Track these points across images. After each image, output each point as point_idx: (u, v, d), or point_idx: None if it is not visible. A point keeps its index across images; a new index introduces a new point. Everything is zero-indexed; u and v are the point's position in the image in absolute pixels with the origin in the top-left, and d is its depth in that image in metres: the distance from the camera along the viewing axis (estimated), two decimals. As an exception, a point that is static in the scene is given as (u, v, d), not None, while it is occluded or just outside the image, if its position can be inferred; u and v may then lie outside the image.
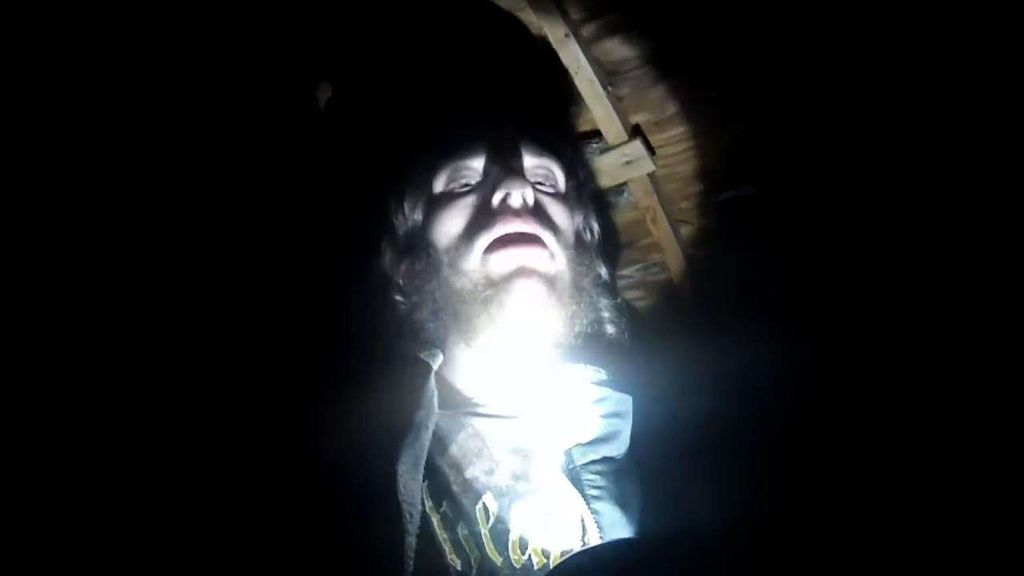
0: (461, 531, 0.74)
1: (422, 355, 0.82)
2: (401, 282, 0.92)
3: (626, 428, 0.85)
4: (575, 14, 0.99)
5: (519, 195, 0.85)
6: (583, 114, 1.11)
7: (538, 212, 0.88)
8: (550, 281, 0.84)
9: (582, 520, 0.78)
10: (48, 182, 0.85)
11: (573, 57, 1.02)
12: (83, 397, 0.79)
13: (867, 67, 0.92)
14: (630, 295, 1.28)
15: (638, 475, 0.83)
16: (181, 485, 0.73)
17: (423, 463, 0.74)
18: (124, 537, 0.71)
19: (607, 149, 1.11)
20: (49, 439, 0.76)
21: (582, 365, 0.89)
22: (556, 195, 0.93)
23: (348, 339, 0.91)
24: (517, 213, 0.85)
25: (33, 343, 0.78)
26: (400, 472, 0.70)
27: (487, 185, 0.89)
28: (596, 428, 0.83)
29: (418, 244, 0.90)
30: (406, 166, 0.96)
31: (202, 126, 1.01)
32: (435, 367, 0.82)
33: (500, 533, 0.75)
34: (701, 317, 1.18)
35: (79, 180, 0.89)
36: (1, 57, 0.82)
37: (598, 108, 1.07)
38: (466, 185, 0.90)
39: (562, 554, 0.75)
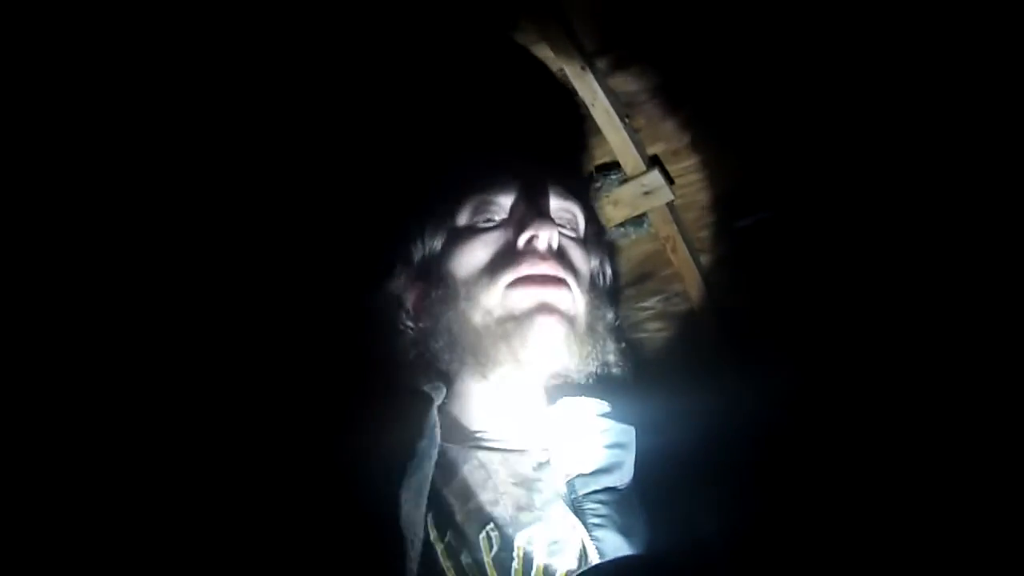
0: (464, 559, 0.74)
1: (425, 388, 0.84)
2: (411, 308, 0.94)
3: (629, 459, 0.84)
4: (589, 47, 1.01)
5: (546, 238, 0.87)
6: (600, 146, 1.12)
7: (562, 255, 0.89)
8: (570, 320, 0.86)
9: (584, 548, 0.77)
10: (76, 186, 0.88)
11: (589, 89, 1.04)
12: (91, 400, 0.81)
13: (877, 92, 0.91)
14: (652, 326, 1.27)
15: (642, 505, 0.82)
16: (186, 500, 0.74)
17: (426, 492, 0.75)
18: (134, 544, 0.71)
19: (625, 180, 1.12)
20: (47, 444, 0.77)
21: (584, 398, 0.88)
22: (577, 239, 0.95)
23: (355, 359, 0.91)
24: (543, 256, 0.86)
25: (52, 353, 0.80)
26: (403, 500, 0.71)
27: (513, 223, 0.90)
28: (599, 459, 0.83)
29: (434, 273, 0.91)
30: (429, 194, 0.98)
31: (221, 142, 1.03)
32: (437, 401, 0.83)
33: (503, 561, 0.75)
34: (722, 346, 1.16)
35: (110, 193, 0.92)
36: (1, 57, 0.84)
37: (616, 139, 1.08)
38: (490, 220, 0.91)
39: (567, 574, 0.74)
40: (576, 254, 0.92)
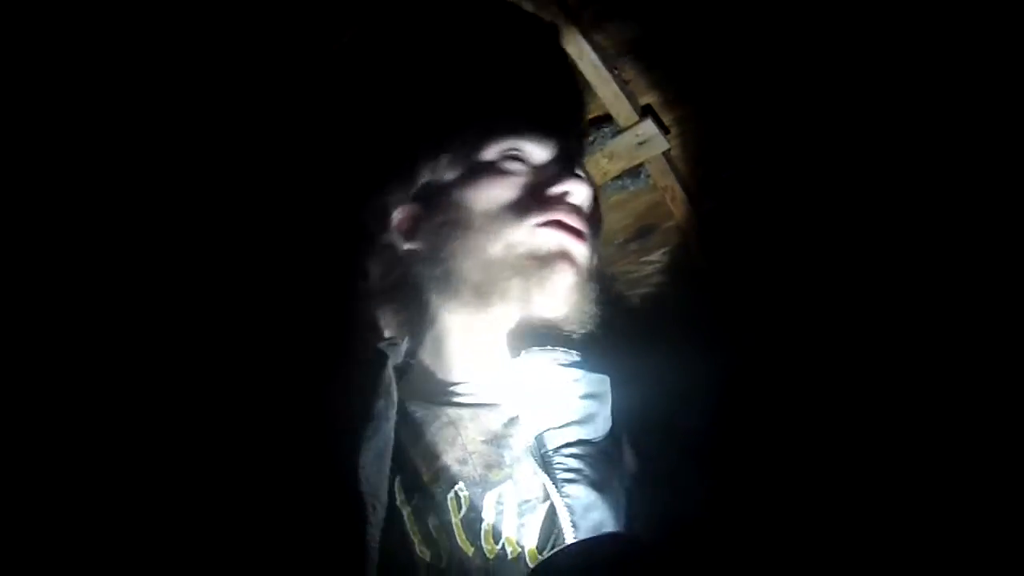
0: (432, 522, 0.73)
1: (380, 346, 0.82)
2: (399, 227, 0.93)
3: (603, 410, 0.82)
4: (571, 1, 1.00)
5: (581, 197, 0.88)
6: (592, 101, 1.11)
7: (586, 218, 0.90)
8: (583, 275, 0.86)
9: (552, 506, 0.76)
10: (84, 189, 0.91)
11: (575, 43, 1.04)
12: (72, 388, 0.82)
13: (866, 46, 0.89)
14: (655, 280, 1.27)
15: (620, 457, 0.81)
16: (150, 469, 0.73)
17: (388, 455, 0.73)
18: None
19: (619, 131, 1.11)
20: (44, 443, 0.79)
21: (552, 348, 0.85)
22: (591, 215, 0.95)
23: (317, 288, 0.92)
24: (575, 209, 0.87)
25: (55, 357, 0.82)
26: (362, 464, 0.69)
27: (546, 174, 0.90)
28: (570, 410, 0.81)
29: (440, 199, 0.91)
30: (446, 124, 0.97)
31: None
32: (394, 359, 0.82)
33: (472, 522, 0.74)
34: (721, 301, 1.15)
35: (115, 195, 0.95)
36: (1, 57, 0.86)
37: (605, 91, 1.06)
38: (519, 165, 0.91)
39: (538, 548, 0.74)
40: (594, 217, 0.93)
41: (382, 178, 0.98)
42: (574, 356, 0.85)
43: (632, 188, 1.17)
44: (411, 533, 0.72)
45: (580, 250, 0.86)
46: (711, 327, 1.16)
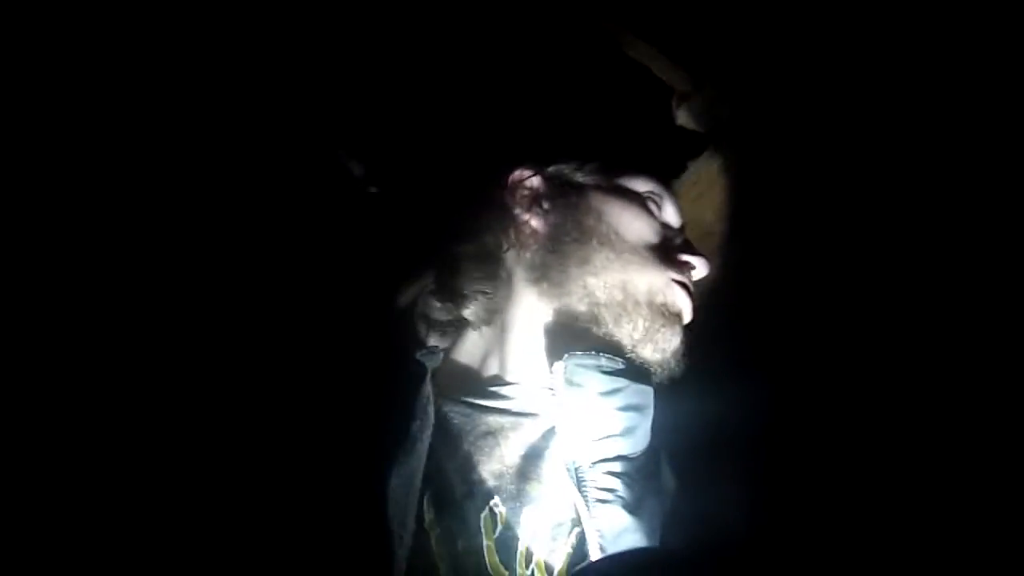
0: (461, 545, 0.69)
1: (418, 356, 0.77)
2: (524, 190, 0.87)
3: (645, 423, 0.77)
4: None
5: (700, 274, 0.88)
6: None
7: None
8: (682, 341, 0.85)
9: (581, 528, 0.72)
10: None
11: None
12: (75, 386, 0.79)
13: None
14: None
15: (658, 474, 0.78)
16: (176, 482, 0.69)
17: (420, 476, 0.69)
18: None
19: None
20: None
21: (594, 353, 0.79)
22: None
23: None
24: (691, 280, 0.87)
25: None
26: (392, 487, 0.66)
27: (679, 237, 0.90)
28: (609, 423, 0.75)
29: (578, 198, 0.85)
30: (609, 132, 0.95)
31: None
32: (432, 364, 0.77)
33: (507, 542, 0.71)
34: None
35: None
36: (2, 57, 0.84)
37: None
38: (657, 210, 0.90)
39: (567, 572, 0.71)
40: None
41: (513, 142, 0.92)
42: (619, 363, 0.79)
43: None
44: (437, 558, 0.69)
45: (688, 319, 0.86)
46: (753, 325, 1.11)
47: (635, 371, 0.79)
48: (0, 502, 0.68)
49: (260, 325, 0.87)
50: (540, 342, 0.83)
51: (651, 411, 0.79)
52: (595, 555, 0.69)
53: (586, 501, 0.71)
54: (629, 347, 0.80)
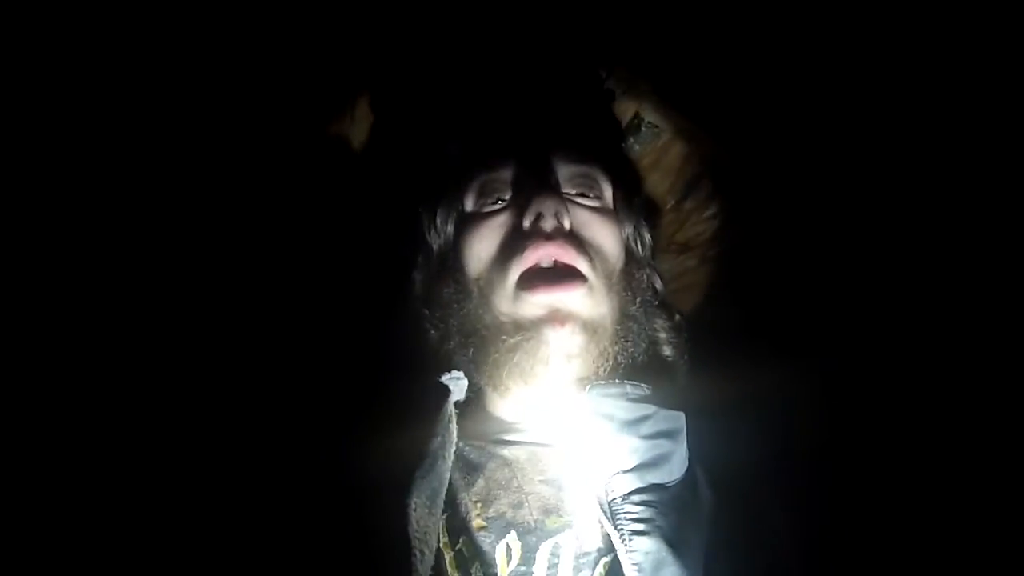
0: (475, 571, 0.67)
1: (442, 379, 0.76)
2: (432, 309, 0.86)
3: (679, 450, 0.72)
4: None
5: (551, 216, 0.77)
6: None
7: (576, 234, 0.79)
8: (589, 325, 0.76)
9: (615, 561, 0.67)
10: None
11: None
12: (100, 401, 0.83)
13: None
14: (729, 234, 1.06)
15: (697, 504, 0.71)
16: (199, 505, 0.72)
17: (442, 496, 0.69)
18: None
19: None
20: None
21: (618, 381, 0.76)
22: (600, 209, 0.84)
23: (379, 367, 0.86)
24: (550, 237, 0.77)
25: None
26: (414, 506, 0.64)
27: (518, 201, 0.81)
28: (640, 452, 0.71)
29: (451, 266, 0.84)
30: (438, 177, 0.90)
31: (227, 140, 0.97)
32: (456, 394, 0.76)
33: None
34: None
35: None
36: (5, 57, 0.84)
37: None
38: (499, 201, 0.83)
39: None
40: (598, 227, 0.82)
41: (411, 263, 0.91)
42: (644, 390, 0.76)
43: (640, 146, 0.99)
44: None
45: (571, 297, 0.76)
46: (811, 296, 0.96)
47: (663, 396, 0.75)
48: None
49: (277, 334, 0.92)
50: (516, 395, 0.81)
51: (684, 435, 0.73)
52: None
53: (621, 534, 0.67)
54: (536, 385, 0.77)
